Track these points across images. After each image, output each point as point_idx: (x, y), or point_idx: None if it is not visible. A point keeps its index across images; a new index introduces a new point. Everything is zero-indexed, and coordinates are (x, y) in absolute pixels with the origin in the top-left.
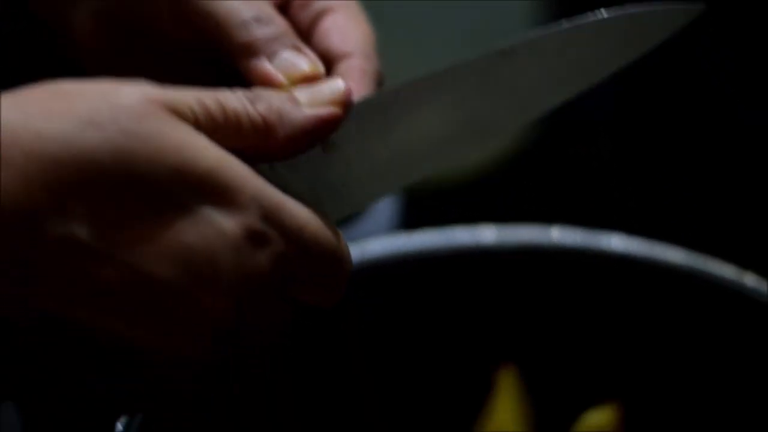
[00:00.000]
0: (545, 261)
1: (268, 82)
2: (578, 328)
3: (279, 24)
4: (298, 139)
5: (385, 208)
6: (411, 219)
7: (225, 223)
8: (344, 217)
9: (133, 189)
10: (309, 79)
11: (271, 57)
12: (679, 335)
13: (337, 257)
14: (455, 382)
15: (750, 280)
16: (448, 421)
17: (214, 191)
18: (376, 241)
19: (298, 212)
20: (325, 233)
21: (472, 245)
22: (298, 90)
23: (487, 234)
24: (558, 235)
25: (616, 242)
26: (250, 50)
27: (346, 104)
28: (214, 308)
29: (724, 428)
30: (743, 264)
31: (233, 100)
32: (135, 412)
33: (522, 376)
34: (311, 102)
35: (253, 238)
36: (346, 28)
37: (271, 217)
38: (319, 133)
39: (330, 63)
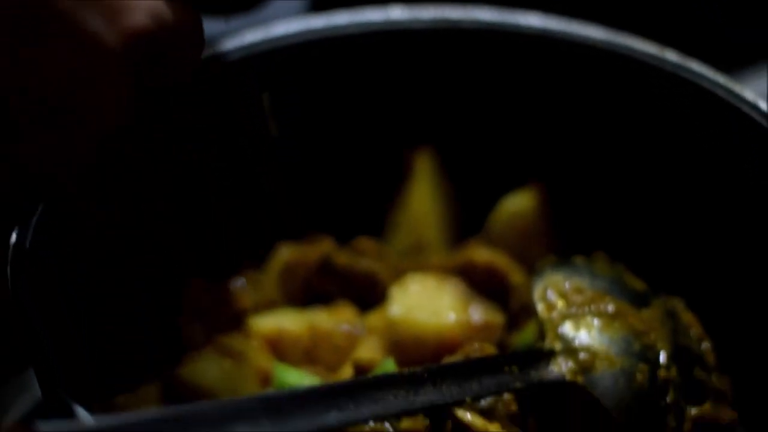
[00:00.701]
0: (461, 40)
1: None
2: (497, 108)
3: None
4: None
5: None
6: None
7: (107, 35)
8: None
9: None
10: None
11: None
12: (600, 113)
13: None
14: (370, 166)
15: (671, 56)
16: (362, 207)
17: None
18: (282, 23)
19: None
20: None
21: (383, 23)
22: None
23: (399, 12)
24: (474, 13)
25: (533, 20)
26: None
27: None
28: (104, 119)
29: (643, 206)
30: (664, 42)
31: None
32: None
33: (440, 159)
34: None
35: (138, 45)
36: None
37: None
38: None
39: None
